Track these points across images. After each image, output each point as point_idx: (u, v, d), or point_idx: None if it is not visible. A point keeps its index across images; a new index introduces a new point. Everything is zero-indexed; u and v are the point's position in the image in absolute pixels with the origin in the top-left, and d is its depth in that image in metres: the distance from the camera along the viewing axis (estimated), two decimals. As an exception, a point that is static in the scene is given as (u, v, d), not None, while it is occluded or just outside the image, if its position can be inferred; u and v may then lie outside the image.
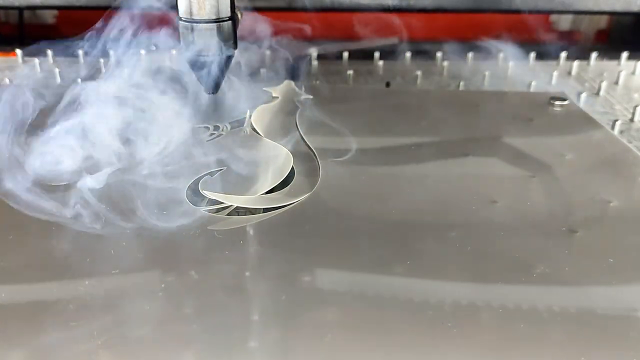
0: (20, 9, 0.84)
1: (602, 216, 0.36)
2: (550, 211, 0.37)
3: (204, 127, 0.46)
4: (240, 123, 0.47)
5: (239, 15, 0.46)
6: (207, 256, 0.32)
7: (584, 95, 0.60)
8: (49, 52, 0.68)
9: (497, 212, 0.36)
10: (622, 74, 0.66)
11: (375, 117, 0.50)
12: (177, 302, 0.28)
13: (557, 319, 0.28)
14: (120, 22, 0.46)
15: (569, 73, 0.69)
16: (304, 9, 0.70)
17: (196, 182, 0.38)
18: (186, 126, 0.44)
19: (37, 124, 0.42)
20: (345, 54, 0.71)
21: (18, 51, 0.69)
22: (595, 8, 0.75)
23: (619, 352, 0.26)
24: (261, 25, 0.53)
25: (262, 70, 0.63)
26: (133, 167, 0.39)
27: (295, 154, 0.42)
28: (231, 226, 0.34)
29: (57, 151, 0.40)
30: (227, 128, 0.47)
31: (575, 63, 0.70)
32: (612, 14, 0.85)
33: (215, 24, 0.43)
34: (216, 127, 0.46)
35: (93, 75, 0.55)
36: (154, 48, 0.57)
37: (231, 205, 0.36)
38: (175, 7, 0.44)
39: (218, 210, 0.36)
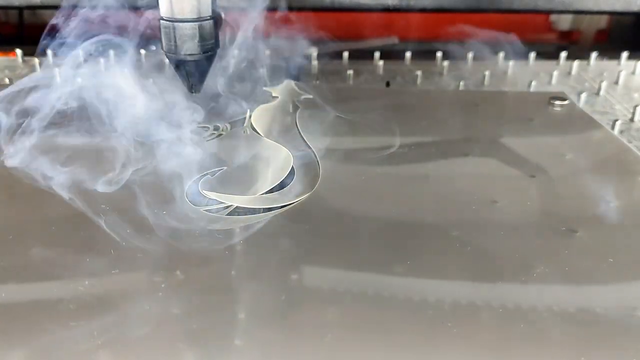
0: (20, 9, 0.84)
1: (602, 216, 0.36)
2: (550, 211, 0.37)
3: (204, 126, 0.46)
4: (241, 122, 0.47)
5: (222, 15, 0.46)
6: (207, 256, 0.32)
7: (584, 95, 0.60)
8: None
9: (497, 212, 0.36)
10: (622, 74, 0.66)
11: (375, 117, 0.50)
12: (177, 302, 0.28)
13: (557, 319, 0.28)
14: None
15: (569, 73, 0.69)
16: (304, 9, 0.70)
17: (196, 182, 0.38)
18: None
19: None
20: (345, 54, 0.70)
21: (18, 51, 0.69)
22: (595, 8, 0.75)
23: (619, 352, 0.26)
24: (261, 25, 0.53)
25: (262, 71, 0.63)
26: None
27: (295, 153, 0.42)
28: (231, 226, 0.34)
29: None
30: (227, 128, 0.47)
31: (575, 63, 0.70)
32: (612, 14, 0.85)
33: (196, 24, 0.43)
34: (216, 127, 0.47)
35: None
36: (153, 48, 0.57)
37: (231, 205, 0.36)
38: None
39: (218, 210, 0.36)
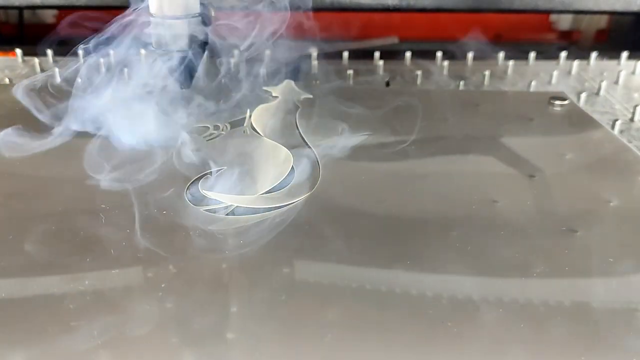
0: (20, 9, 0.84)
1: (602, 216, 0.36)
2: (550, 211, 0.37)
3: (204, 126, 0.46)
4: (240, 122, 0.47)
5: (212, 12, 0.46)
6: (207, 256, 0.32)
7: (584, 95, 0.60)
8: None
9: (498, 211, 0.36)
10: (622, 74, 0.66)
11: (375, 116, 0.50)
12: (176, 302, 0.28)
13: (557, 319, 0.28)
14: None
15: (569, 73, 0.69)
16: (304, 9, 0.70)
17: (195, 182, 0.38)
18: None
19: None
20: (345, 54, 0.70)
21: (18, 51, 0.69)
22: (595, 8, 0.75)
23: (619, 351, 0.26)
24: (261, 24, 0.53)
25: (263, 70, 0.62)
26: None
27: (295, 153, 0.42)
28: (231, 226, 0.34)
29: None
30: (227, 128, 0.47)
31: (575, 63, 0.70)
32: (612, 13, 0.85)
33: (185, 20, 0.43)
34: (216, 127, 0.47)
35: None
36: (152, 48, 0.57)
37: (231, 205, 0.36)
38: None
39: (218, 210, 0.36)
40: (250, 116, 0.48)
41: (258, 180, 0.39)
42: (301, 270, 0.31)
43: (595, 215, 0.36)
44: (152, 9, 0.44)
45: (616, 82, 0.66)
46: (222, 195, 0.37)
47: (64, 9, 0.84)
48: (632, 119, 0.56)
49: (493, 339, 0.27)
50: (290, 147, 0.43)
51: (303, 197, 0.37)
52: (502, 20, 0.87)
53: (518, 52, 0.70)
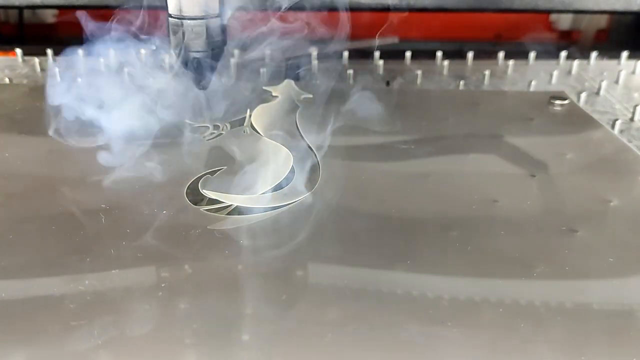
0: (20, 9, 0.84)
1: (602, 216, 0.36)
2: (551, 210, 0.37)
3: (204, 126, 0.46)
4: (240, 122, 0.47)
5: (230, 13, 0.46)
6: (207, 255, 0.32)
7: (584, 95, 0.60)
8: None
9: (498, 211, 0.36)
10: (622, 74, 0.66)
11: (375, 116, 0.50)
12: (177, 302, 0.28)
13: (557, 319, 0.28)
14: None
15: (569, 72, 0.69)
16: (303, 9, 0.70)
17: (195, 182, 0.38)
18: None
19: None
20: (345, 54, 0.70)
21: (18, 51, 0.69)
22: (595, 8, 0.75)
23: (619, 351, 0.26)
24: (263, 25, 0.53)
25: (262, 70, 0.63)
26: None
27: (295, 152, 0.42)
28: (231, 226, 0.34)
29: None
30: (227, 127, 0.47)
31: (575, 62, 0.70)
32: (612, 13, 0.85)
33: (204, 21, 0.43)
34: (216, 127, 0.46)
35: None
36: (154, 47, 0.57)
37: (231, 205, 0.36)
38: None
39: (218, 210, 0.36)
40: (250, 116, 0.48)
41: (258, 180, 0.39)
42: (301, 270, 0.31)
43: (595, 215, 0.36)
44: (171, 9, 0.43)
45: (616, 82, 0.66)
46: (221, 195, 0.37)
47: (64, 9, 0.84)
48: (632, 119, 0.56)
49: (493, 338, 0.27)
50: (290, 147, 0.43)
51: (303, 197, 0.37)
52: (502, 20, 0.87)
53: (518, 52, 0.70)
